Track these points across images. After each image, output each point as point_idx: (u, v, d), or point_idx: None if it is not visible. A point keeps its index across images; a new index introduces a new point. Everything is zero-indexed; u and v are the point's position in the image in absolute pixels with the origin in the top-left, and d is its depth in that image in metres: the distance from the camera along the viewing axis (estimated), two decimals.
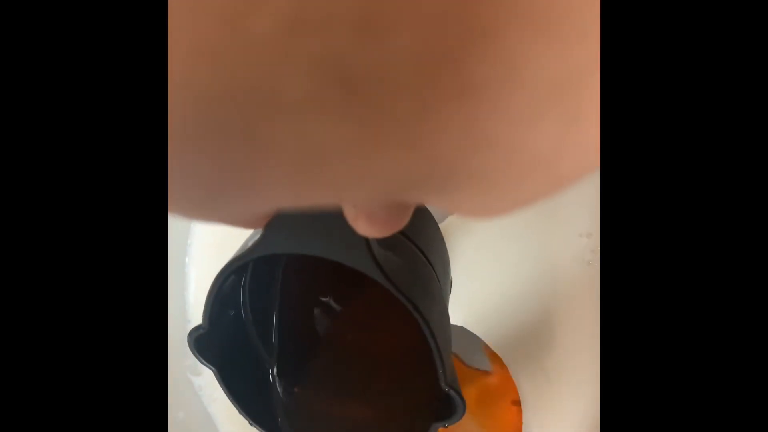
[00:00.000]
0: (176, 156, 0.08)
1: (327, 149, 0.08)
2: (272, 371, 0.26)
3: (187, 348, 0.22)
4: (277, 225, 0.17)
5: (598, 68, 0.07)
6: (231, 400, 0.23)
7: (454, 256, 0.35)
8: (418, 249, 0.21)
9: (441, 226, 0.25)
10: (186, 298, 0.40)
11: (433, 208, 0.24)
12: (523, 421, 0.34)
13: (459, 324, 0.35)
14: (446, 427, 0.20)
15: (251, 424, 0.24)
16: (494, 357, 0.34)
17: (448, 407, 0.20)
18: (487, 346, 0.35)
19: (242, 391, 0.24)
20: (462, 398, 0.19)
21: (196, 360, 0.22)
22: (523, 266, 0.35)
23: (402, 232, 0.21)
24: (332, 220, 0.16)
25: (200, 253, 0.41)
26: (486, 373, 0.34)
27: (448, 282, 0.25)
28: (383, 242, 0.18)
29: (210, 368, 0.23)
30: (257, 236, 0.19)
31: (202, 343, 0.22)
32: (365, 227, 0.12)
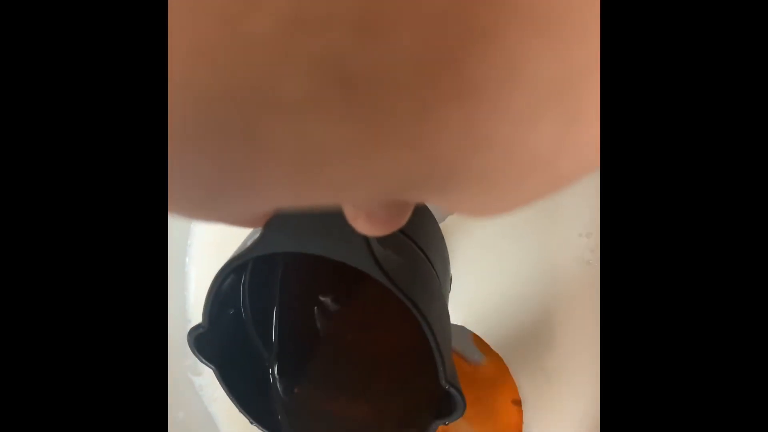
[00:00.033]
0: (176, 156, 0.08)
1: (327, 149, 0.08)
2: (272, 370, 0.26)
3: (187, 347, 0.22)
4: (276, 224, 0.17)
5: (598, 68, 0.07)
6: (231, 400, 0.23)
7: (454, 255, 0.35)
8: (417, 247, 0.21)
9: (441, 225, 0.25)
10: (186, 298, 0.40)
11: (433, 207, 0.24)
12: (524, 421, 0.34)
13: (459, 324, 0.35)
14: (446, 425, 0.20)
15: (252, 423, 0.24)
16: (484, 347, 0.34)
17: (449, 405, 0.20)
18: (476, 337, 0.34)
19: (242, 390, 0.24)
20: (462, 396, 0.19)
21: (197, 359, 0.22)
22: (523, 266, 0.35)
23: (402, 231, 0.21)
24: (332, 219, 0.16)
25: (200, 252, 0.40)
26: (479, 366, 0.34)
27: (448, 279, 0.25)
28: (383, 241, 0.18)
29: (210, 367, 0.23)
30: (257, 235, 0.19)
31: (202, 342, 0.22)
32: (365, 226, 0.12)
